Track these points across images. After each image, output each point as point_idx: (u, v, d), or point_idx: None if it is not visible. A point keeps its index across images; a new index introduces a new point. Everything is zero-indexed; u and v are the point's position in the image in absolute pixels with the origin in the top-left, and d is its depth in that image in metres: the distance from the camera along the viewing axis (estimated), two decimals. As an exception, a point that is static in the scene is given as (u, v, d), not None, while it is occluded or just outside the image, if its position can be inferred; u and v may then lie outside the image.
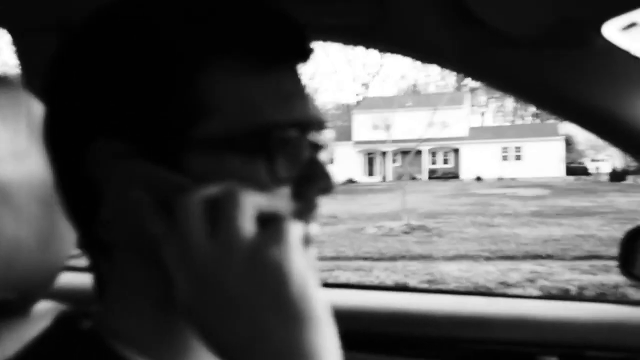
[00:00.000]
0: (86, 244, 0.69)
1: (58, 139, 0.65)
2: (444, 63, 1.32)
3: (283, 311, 0.52)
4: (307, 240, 0.65)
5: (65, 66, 0.65)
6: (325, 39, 1.33)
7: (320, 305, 0.54)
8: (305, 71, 0.69)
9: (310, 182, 0.65)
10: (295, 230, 0.56)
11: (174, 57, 0.59)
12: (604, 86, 1.15)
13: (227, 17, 0.61)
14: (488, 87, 1.40)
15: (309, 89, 0.67)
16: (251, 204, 0.55)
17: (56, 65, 0.66)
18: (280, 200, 0.61)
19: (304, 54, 0.66)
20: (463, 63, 1.27)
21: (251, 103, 0.60)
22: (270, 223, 0.56)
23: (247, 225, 0.54)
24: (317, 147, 0.66)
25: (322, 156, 0.67)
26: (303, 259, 0.55)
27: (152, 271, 0.62)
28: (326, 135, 0.69)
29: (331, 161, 0.66)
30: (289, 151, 0.62)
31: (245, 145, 0.59)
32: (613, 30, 1.06)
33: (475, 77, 1.33)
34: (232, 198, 0.55)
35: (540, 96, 1.25)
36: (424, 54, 1.32)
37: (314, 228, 0.67)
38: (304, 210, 0.65)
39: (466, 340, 1.61)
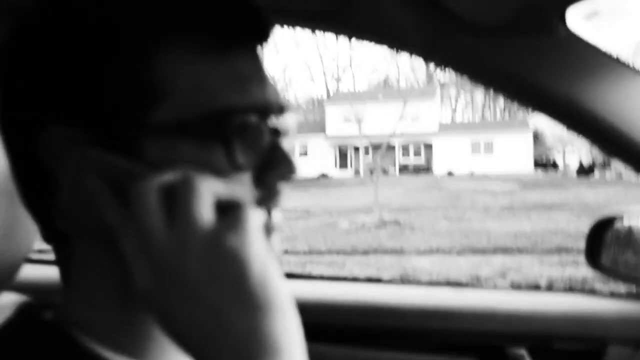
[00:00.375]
0: (45, 234, 0.67)
1: (11, 127, 0.63)
2: (409, 50, 1.29)
3: (242, 299, 0.51)
4: (269, 228, 0.64)
5: (15, 51, 0.63)
6: (289, 24, 1.30)
7: (282, 293, 0.53)
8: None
9: (271, 168, 0.63)
10: (255, 217, 0.54)
11: (125, 41, 0.58)
12: (566, 74, 1.14)
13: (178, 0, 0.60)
14: (454, 74, 1.36)
15: (268, 74, 0.66)
16: (208, 191, 0.54)
17: (6, 51, 0.64)
18: (239, 186, 0.59)
19: (261, 35, 0.64)
20: (429, 50, 1.25)
21: (206, 87, 0.59)
22: (229, 210, 0.54)
23: (205, 212, 0.53)
24: (278, 132, 0.65)
25: (284, 142, 0.66)
26: (263, 247, 0.54)
27: (111, 260, 0.61)
28: (289, 121, 0.67)
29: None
30: (247, 136, 0.60)
31: (201, 131, 0.58)
32: (576, 19, 1.06)
33: (441, 65, 1.29)
34: (188, 184, 0.53)
35: (505, 84, 1.23)
36: (390, 41, 1.28)
37: (277, 215, 0.66)
38: (266, 197, 0.64)
39: (434, 332, 1.61)
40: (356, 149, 40.03)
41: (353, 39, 1.33)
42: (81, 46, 0.58)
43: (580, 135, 1.21)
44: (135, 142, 0.58)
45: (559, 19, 1.07)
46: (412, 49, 1.27)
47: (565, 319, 1.55)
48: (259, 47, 0.65)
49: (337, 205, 18.23)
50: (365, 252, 11.45)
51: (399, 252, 11.40)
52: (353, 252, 11.50)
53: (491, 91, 1.32)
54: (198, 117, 0.58)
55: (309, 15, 1.25)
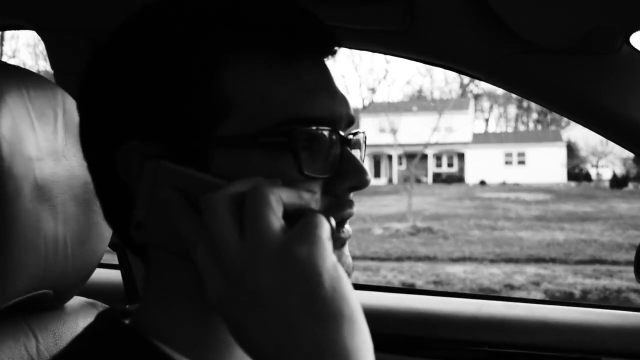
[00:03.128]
0: (123, 244, 0.70)
1: (91, 143, 0.67)
2: (472, 71, 1.30)
3: (314, 309, 0.50)
4: (341, 239, 0.65)
5: (95, 73, 0.66)
6: (355, 46, 1.33)
7: (354, 303, 0.51)
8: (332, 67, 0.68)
9: (341, 179, 0.64)
10: (324, 225, 0.53)
11: (196, 57, 0.60)
12: (628, 92, 1.14)
13: (244, 14, 0.62)
14: (517, 95, 1.34)
15: (338, 86, 0.66)
16: (277, 199, 0.54)
17: (88, 72, 0.67)
18: (308, 195, 0.59)
19: (326, 47, 0.66)
20: (492, 72, 1.26)
21: (273, 99, 0.60)
22: (298, 218, 0.54)
23: (275, 221, 0.53)
24: (349, 143, 0.65)
25: (355, 153, 0.66)
26: (334, 256, 0.53)
27: (187, 270, 0.62)
28: (359, 132, 0.68)
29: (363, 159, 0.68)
30: (316, 147, 0.61)
31: (269, 142, 0.59)
32: (638, 37, 1.07)
33: (503, 86, 1.30)
34: (258, 193, 0.54)
35: (566, 103, 1.23)
36: (453, 62, 1.30)
37: (347, 227, 0.66)
38: (336, 207, 0.64)
39: (487, 343, 1.60)
40: (389, 158, 40.16)
41: (415, 62, 1.36)
42: (156, 66, 0.61)
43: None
44: (208, 154, 0.60)
45: (623, 40, 1.08)
46: (476, 71, 1.28)
47: (616, 334, 1.54)
48: (326, 60, 0.67)
49: (371, 213, 18.17)
50: (399, 259, 11.51)
51: (432, 259, 11.44)
52: (387, 258, 11.56)
53: (552, 110, 1.32)
54: (266, 129, 0.59)
55: (376, 36, 1.27)
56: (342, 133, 0.64)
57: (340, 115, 0.64)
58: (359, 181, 0.64)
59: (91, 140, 0.67)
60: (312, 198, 0.60)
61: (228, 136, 0.59)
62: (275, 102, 0.60)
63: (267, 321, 0.51)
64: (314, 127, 0.61)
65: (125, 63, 0.63)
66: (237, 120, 0.59)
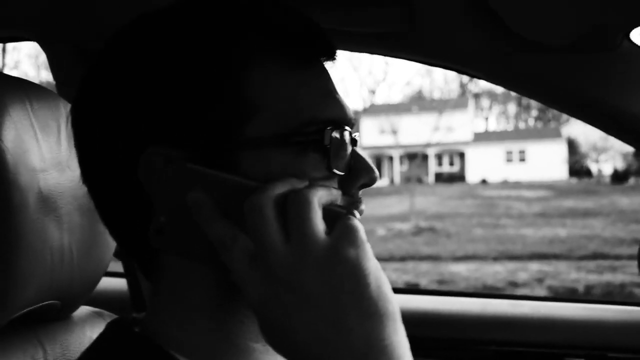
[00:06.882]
0: (134, 253, 0.68)
1: (107, 151, 0.64)
2: (473, 71, 1.30)
3: (364, 308, 0.52)
4: None
5: (107, 77, 0.64)
6: (355, 49, 1.33)
7: (394, 302, 0.54)
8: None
9: (353, 177, 0.66)
10: (363, 228, 0.56)
11: (221, 60, 0.61)
12: (631, 90, 1.15)
13: (266, 20, 0.63)
14: (517, 93, 1.35)
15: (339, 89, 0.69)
16: (318, 201, 0.56)
17: (96, 77, 0.65)
18: (336, 192, 0.60)
19: (333, 52, 0.69)
20: (492, 71, 1.27)
21: (298, 100, 0.62)
22: (335, 219, 0.56)
23: (319, 223, 0.55)
24: (355, 143, 0.68)
25: (360, 151, 0.68)
26: (374, 256, 0.55)
27: (206, 277, 0.63)
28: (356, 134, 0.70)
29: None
30: (336, 146, 0.63)
31: (295, 142, 0.61)
32: (638, 33, 1.07)
33: (503, 85, 1.30)
34: (302, 196, 0.55)
35: (568, 102, 1.24)
36: (453, 62, 1.30)
37: None
38: (351, 205, 0.66)
39: (493, 342, 1.60)
40: (390, 159, 40.10)
41: (417, 63, 1.35)
42: (179, 68, 0.61)
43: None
44: (235, 156, 0.60)
45: (623, 36, 1.08)
46: (476, 70, 1.30)
47: (621, 330, 1.55)
48: (329, 63, 0.70)
49: (374, 214, 18.12)
50: (403, 259, 11.46)
51: (435, 258, 11.40)
52: (390, 258, 11.49)
53: (552, 108, 1.33)
54: (294, 129, 0.60)
55: (376, 39, 1.27)
56: (352, 133, 0.66)
57: (349, 117, 0.67)
58: (370, 178, 0.67)
59: (108, 149, 0.64)
60: (339, 194, 0.61)
61: (255, 137, 0.60)
62: (300, 103, 0.62)
63: (314, 321, 0.52)
64: (337, 127, 0.63)
65: (148, 67, 0.62)
66: (264, 121, 0.60)
